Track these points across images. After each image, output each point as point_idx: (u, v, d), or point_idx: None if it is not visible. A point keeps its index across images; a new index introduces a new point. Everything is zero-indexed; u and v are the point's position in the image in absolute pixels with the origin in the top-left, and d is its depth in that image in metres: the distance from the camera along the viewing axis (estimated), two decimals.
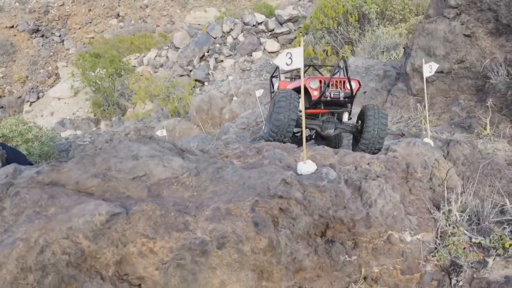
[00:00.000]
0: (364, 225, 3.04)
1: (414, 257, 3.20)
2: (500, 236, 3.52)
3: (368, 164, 3.57)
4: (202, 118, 13.86)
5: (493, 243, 3.51)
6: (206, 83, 26.49)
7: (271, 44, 27.68)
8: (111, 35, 38.46)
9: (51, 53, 39.70)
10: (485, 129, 7.36)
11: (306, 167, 3.13)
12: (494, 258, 3.41)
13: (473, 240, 3.53)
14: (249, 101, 12.63)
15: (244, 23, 29.28)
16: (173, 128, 14.45)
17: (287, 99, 4.15)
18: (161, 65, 30.37)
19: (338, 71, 5.16)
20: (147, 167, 2.93)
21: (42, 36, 40.59)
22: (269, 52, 27.72)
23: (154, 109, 24.09)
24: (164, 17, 42.64)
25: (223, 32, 29.09)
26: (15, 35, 39.63)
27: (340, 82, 4.62)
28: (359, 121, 4.87)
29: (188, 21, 38.00)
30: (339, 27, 18.75)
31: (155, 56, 31.21)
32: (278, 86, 5.70)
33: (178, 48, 30.10)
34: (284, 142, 4.23)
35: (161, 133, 9.61)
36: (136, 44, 33.90)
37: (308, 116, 4.63)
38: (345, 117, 4.93)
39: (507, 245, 3.44)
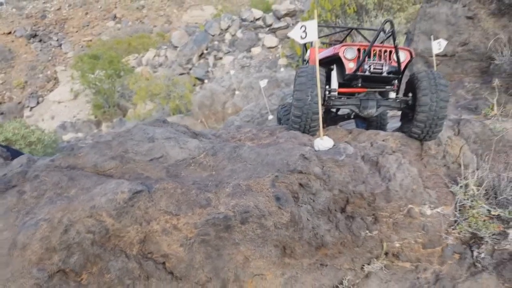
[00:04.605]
0: (384, 199, 3.01)
1: (435, 230, 3.17)
2: None
3: (384, 140, 3.54)
4: (204, 113, 13.84)
5: None
6: (206, 81, 26.46)
7: (270, 39, 27.63)
8: (109, 37, 38.46)
9: (50, 58, 39.68)
10: (493, 110, 7.31)
11: (324, 142, 3.10)
12: None
13: (492, 212, 3.50)
14: (252, 95, 12.60)
15: (241, 19, 29.26)
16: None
17: (309, 73, 3.30)
18: (160, 65, 30.37)
19: (386, 38, 4.10)
20: (163, 149, 2.91)
21: (40, 41, 40.59)
22: (267, 48, 27.68)
23: (155, 108, 24.06)
24: (161, 17, 42.58)
25: (221, 29, 29.07)
26: (12, 41, 39.63)
27: (385, 51, 3.54)
28: (409, 95, 3.77)
29: (185, 20, 38.00)
30: (337, 19, 18.67)
31: (154, 56, 31.20)
32: (309, 54, 4.61)
33: (177, 47, 30.10)
34: (311, 131, 3.48)
35: None
36: (133, 45, 33.89)
37: (341, 94, 3.68)
38: (391, 94, 3.84)
39: None
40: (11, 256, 2.17)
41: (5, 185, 2.80)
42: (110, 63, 28.50)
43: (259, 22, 29.32)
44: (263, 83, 8.83)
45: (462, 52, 8.62)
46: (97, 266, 2.26)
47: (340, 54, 3.52)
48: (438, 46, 4.64)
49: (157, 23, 41.83)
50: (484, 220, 3.39)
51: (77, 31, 42.56)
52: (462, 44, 8.56)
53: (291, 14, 29.00)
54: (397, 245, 3.10)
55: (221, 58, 28.71)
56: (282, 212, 2.59)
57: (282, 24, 28.31)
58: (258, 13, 29.23)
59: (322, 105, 3.47)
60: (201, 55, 28.89)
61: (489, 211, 3.52)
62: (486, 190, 3.81)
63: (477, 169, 4.06)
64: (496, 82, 7.47)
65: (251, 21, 29.61)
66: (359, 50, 3.55)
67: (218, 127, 12.64)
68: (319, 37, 5.80)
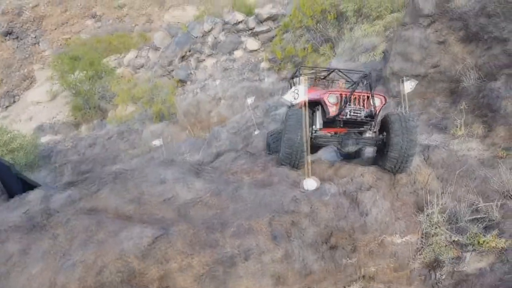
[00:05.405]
0: (362, 231, 3.56)
1: (404, 257, 3.74)
2: (475, 233, 4.10)
3: (361, 175, 4.09)
4: (190, 121, 14.18)
5: (469, 239, 4.09)
6: (188, 83, 26.55)
7: (252, 43, 27.88)
8: (88, 36, 37.82)
9: (26, 56, 38.80)
10: (460, 130, 7.98)
11: (311, 183, 3.63)
12: (471, 253, 3.99)
13: (452, 238, 4.10)
14: (237, 104, 13.06)
15: (224, 22, 29.48)
16: (161, 132, 14.70)
17: (298, 116, 3.77)
18: (142, 66, 30.20)
19: (360, 84, 4.50)
20: (173, 190, 3.36)
21: (17, 38, 39.62)
22: (250, 51, 28.01)
23: (137, 111, 23.94)
24: (142, 16, 42.26)
25: (203, 31, 29.19)
26: None
27: (363, 97, 4.11)
28: (383, 132, 4.32)
29: (166, 20, 37.79)
30: (317, 25, 19.12)
31: (136, 57, 31.02)
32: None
33: (159, 48, 30.02)
34: (299, 166, 3.95)
35: (158, 142, 9.91)
36: (114, 44, 33.47)
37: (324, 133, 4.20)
38: (368, 133, 4.38)
39: (481, 242, 4.03)
40: None
41: (30, 222, 3.19)
42: (91, 64, 28.19)
43: (242, 25, 29.53)
44: (250, 100, 9.34)
45: (434, 73, 9.29)
46: None
47: (325, 99, 4.07)
48: (410, 86, 5.25)
49: (138, 22, 41.48)
50: (445, 246, 3.99)
51: (55, 29, 41.68)
52: (434, 66, 9.23)
53: (273, 18, 29.32)
54: (373, 269, 3.66)
55: (203, 60, 28.77)
56: (278, 248, 3.10)
57: (264, 27, 28.56)
58: (240, 16, 29.44)
59: (312, 145, 4.02)
60: (183, 57, 28.89)
61: (450, 236, 4.12)
62: (448, 217, 4.41)
63: (442, 195, 4.66)
64: (463, 104, 8.15)
65: (234, 24, 29.78)
66: (340, 96, 4.10)
67: (204, 136, 13.01)
68: (306, 74, 6.35)
